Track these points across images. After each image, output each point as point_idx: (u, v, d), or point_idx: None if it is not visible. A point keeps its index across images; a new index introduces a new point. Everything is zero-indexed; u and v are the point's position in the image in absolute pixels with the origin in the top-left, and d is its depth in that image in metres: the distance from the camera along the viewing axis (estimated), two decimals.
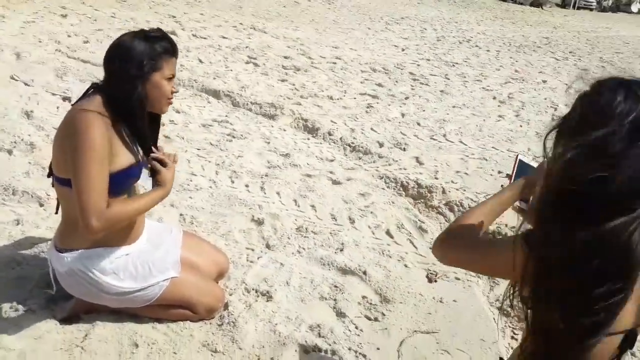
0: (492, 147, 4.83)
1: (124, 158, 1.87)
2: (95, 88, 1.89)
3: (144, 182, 2.01)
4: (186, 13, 10.31)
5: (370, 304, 2.45)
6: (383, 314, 2.39)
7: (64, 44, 6.59)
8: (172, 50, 1.91)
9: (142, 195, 1.96)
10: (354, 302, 2.45)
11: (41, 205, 2.95)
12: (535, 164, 1.43)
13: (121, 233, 1.99)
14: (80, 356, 1.94)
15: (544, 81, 8.18)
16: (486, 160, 4.46)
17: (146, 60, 1.83)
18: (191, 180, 3.52)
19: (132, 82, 1.81)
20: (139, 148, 1.96)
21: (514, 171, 1.43)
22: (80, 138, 1.73)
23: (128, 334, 2.07)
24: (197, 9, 11.04)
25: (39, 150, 3.59)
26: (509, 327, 2.44)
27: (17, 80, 5.04)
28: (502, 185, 1.41)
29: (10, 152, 3.55)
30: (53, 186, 1.94)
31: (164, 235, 2.26)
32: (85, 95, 1.89)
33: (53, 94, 4.80)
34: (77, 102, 1.87)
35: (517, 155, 1.44)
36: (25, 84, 4.98)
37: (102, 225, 1.73)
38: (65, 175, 1.83)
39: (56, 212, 2.05)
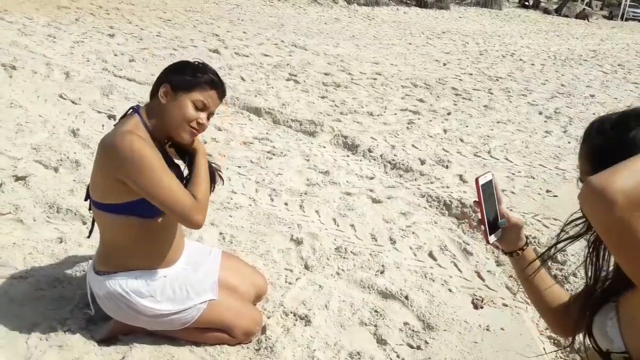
0: (540, 165, 4.66)
1: None
2: (133, 109, 1.89)
3: None
4: (229, 31, 10.49)
5: (413, 330, 2.36)
6: (426, 342, 2.28)
7: (110, 62, 6.77)
8: (214, 83, 1.89)
9: (194, 172, 1.92)
10: (396, 328, 2.36)
11: (84, 223, 2.99)
12: (492, 178, 1.32)
13: (159, 256, 1.98)
14: None
15: (592, 95, 7.91)
16: (533, 178, 4.30)
17: (185, 78, 1.84)
18: (231, 199, 3.51)
19: (158, 88, 1.86)
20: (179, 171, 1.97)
21: (481, 197, 1.28)
22: (136, 161, 1.71)
23: (165, 357, 2.04)
24: (239, 28, 11.22)
25: (84, 168, 3.66)
26: (560, 357, 2.30)
27: (65, 98, 5.19)
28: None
29: (56, 169, 3.62)
30: (90, 210, 1.94)
31: (203, 256, 2.23)
32: (123, 117, 1.90)
33: (99, 112, 4.91)
34: (115, 125, 1.88)
35: (477, 179, 1.27)
36: (73, 102, 5.12)
37: (203, 215, 1.82)
38: (103, 200, 1.83)
39: (88, 236, 2.08)
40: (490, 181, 1.30)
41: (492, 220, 1.30)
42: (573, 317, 1.21)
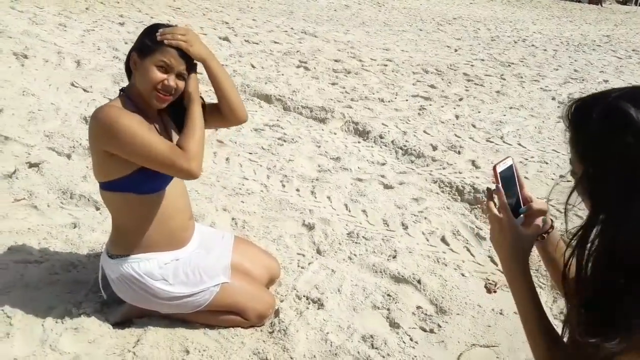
0: (553, 150, 4.61)
1: None
2: (121, 90, 1.91)
3: None
4: (239, 19, 10.45)
5: (426, 314, 2.35)
6: (439, 326, 2.28)
7: (121, 50, 6.78)
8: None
9: (186, 122, 1.89)
10: (408, 312, 2.36)
11: (97, 209, 3.01)
12: (512, 163, 1.26)
13: (168, 236, 1.99)
14: None
15: (606, 81, 7.79)
16: (547, 163, 4.26)
17: (147, 43, 1.82)
18: (243, 185, 3.52)
19: (129, 62, 1.87)
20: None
21: (499, 184, 1.21)
22: (113, 126, 1.74)
23: (179, 339, 2.06)
24: (249, 15, 11.17)
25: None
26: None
27: (77, 86, 5.20)
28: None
29: (69, 156, 3.65)
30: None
31: (215, 240, 2.24)
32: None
33: (110, 100, 4.92)
34: None
35: (495, 167, 1.21)
36: (85, 90, 5.13)
37: (196, 163, 1.79)
38: (101, 178, 1.87)
39: None
40: (511, 166, 1.25)
41: (513, 206, 1.25)
42: None
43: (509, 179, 1.24)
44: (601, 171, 0.98)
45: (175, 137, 1.98)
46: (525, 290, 1.18)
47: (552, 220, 1.32)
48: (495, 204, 1.22)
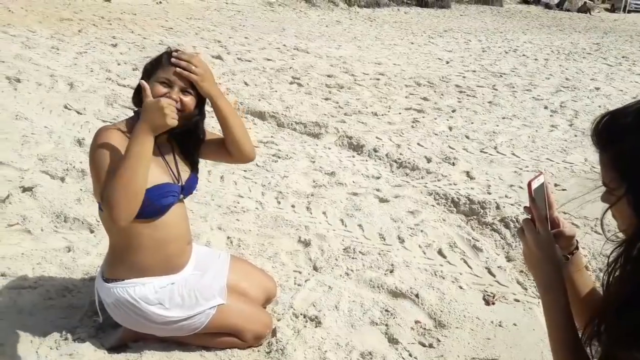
0: (547, 159, 4.62)
1: (153, 175, 1.81)
2: (134, 112, 1.91)
3: None
4: (231, 37, 10.50)
5: (424, 329, 2.33)
6: (438, 340, 2.26)
7: (114, 72, 6.79)
8: (169, 57, 1.85)
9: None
10: (407, 327, 2.34)
11: (91, 231, 2.99)
12: (544, 181, 1.21)
13: (165, 261, 1.96)
14: None
15: (597, 88, 7.85)
16: (542, 172, 4.26)
17: (149, 67, 1.86)
18: (238, 203, 3.50)
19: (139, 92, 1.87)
20: (176, 170, 1.95)
21: (533, 197, 1.18)
22: (93, 149, 1.77)
23: None
24: (241, 33, 11.23)
25: (90, 177, 3.66)
26: None
27: (70, 109, 5.20)
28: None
29: (63, 179, 3.63)
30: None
31: (211, 260, 2.22)
32: None
33: (104, 121, 4.92)
34: None
35: (529, 183, 1.17)
36: (78, 112, 5.13)
37: (117, 211, 1.67)
38: (98, 198, 1.84)
39: None
40: (542, 184, 1.21)
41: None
42: None
43: (539, 197, 1.20)
44: None
45: (184, 170, 1.99)
46: (564, 312, 1.12)
47: (576, 241, 1.28)
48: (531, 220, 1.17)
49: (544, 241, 1.15)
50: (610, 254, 1.02)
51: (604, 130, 1.00)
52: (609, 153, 0.99)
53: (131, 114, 2.00)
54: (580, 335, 1.10)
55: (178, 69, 1.80)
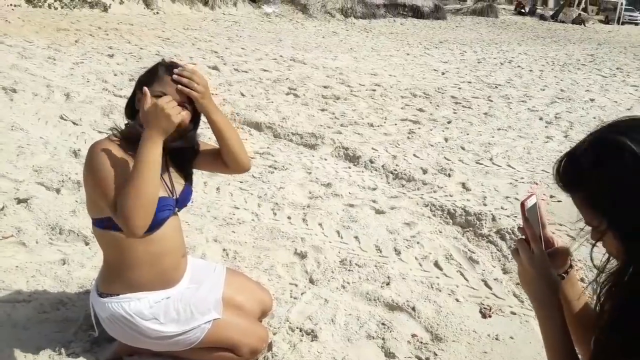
0: (542, 170, 4.64)
1: None
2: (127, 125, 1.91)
3: None
4: (227, 48, 10.54)
5: (421, 342, 2.32)
6: (435, 354, 2.25)
7: (110, 82, 6.80)
8: (164, 68, 1.82)
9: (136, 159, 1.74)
10: (404, 340, 2.33)
11: (87, 244, 2.97)
12: (536, 201, 1.22)
13: (160, 276, 1.95)
14: None
15: (592, 99, 7.90)
16: (537, 184, 4.28)
17: (144, 80, 1.82)
18: (234, 214, 3.50)
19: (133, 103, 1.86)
20: (170, 183, 1.94)
21: (527, 221, 1.19)
22: (87, 160, 1.76)
23: None
24: (238, 44, 11.28)
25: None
26: None
27: (66, 119, 5.20)
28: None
29: (58, 190, 3.62)
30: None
31: (207, 273, 2.21)
32: None
33: (100, 132, 4.92)
34: None
35: (522, 203, 1.19)
36: (74, 123, 5.13)
37: (133, 222, 1.64)
38: (97, 214, 1.84)
39: None
40: (535, 204, 1.22)
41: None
42: None
43: (533, 217, 1.21)
44: (626, 205, 0.94)
45: (178, 183, 1.98)
46: (560, 327, 1.13)
47: (571, 260, 1.28)
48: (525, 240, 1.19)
49: (539, 260, 1.16)
50: (602, 281, 1.05)
51: (564, 176, 1.02)
52: (579, 195, 1.02)
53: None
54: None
55: (179, 86, 1.78)
